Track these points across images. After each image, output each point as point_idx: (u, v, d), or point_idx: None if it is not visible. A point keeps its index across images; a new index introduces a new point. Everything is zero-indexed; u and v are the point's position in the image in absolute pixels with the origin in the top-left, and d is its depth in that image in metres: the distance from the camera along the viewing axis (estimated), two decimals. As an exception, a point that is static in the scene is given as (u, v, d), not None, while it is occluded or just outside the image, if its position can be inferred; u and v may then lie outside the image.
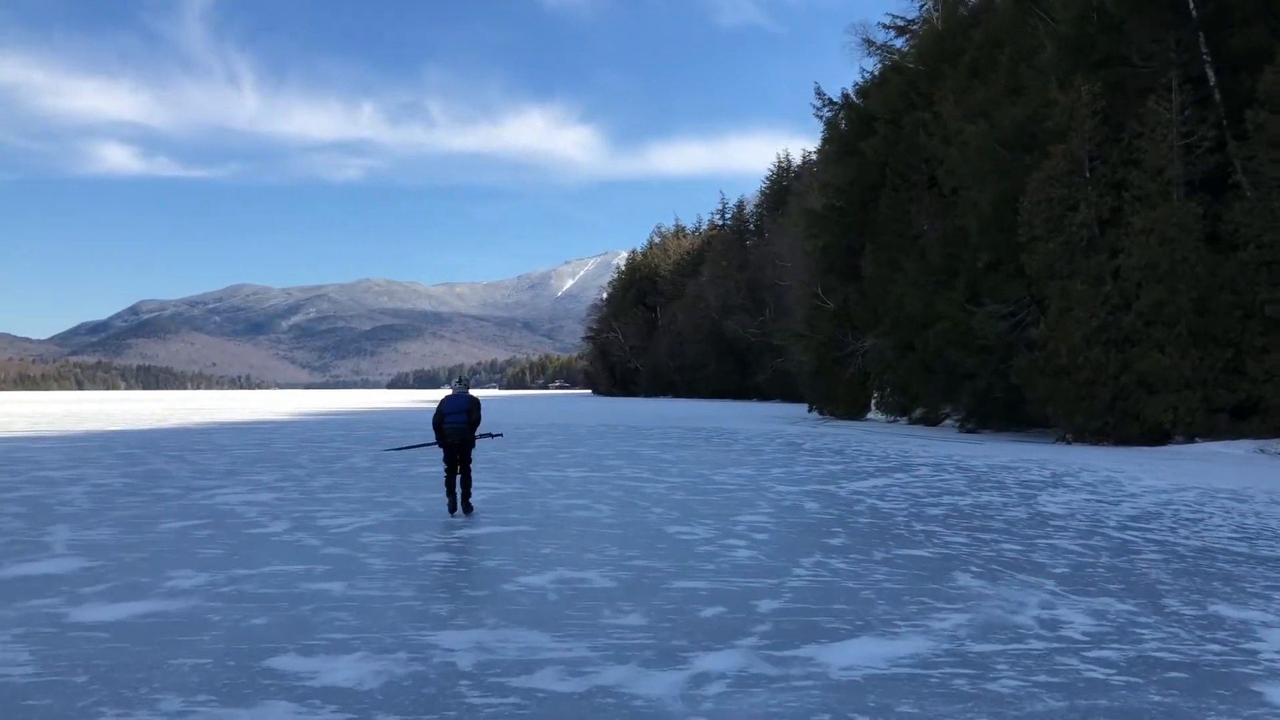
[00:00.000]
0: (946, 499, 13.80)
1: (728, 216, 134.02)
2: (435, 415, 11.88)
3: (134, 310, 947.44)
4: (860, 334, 40.02)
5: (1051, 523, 11.55)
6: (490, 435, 13.44)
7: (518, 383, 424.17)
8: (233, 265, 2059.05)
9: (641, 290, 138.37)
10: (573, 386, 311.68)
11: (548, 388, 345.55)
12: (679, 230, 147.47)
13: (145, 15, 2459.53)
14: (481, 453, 18.09)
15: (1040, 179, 24.84)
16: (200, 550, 9.44)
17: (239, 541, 10.07)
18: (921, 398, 35.15)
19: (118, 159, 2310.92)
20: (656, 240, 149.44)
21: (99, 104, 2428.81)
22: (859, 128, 40.04)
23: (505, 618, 6.57)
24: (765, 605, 6.97)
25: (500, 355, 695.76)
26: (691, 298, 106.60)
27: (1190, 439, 23.06)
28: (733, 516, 11.89)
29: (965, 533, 10.65)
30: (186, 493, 14.61)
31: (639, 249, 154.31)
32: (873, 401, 40.43)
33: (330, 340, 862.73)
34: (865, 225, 39.34)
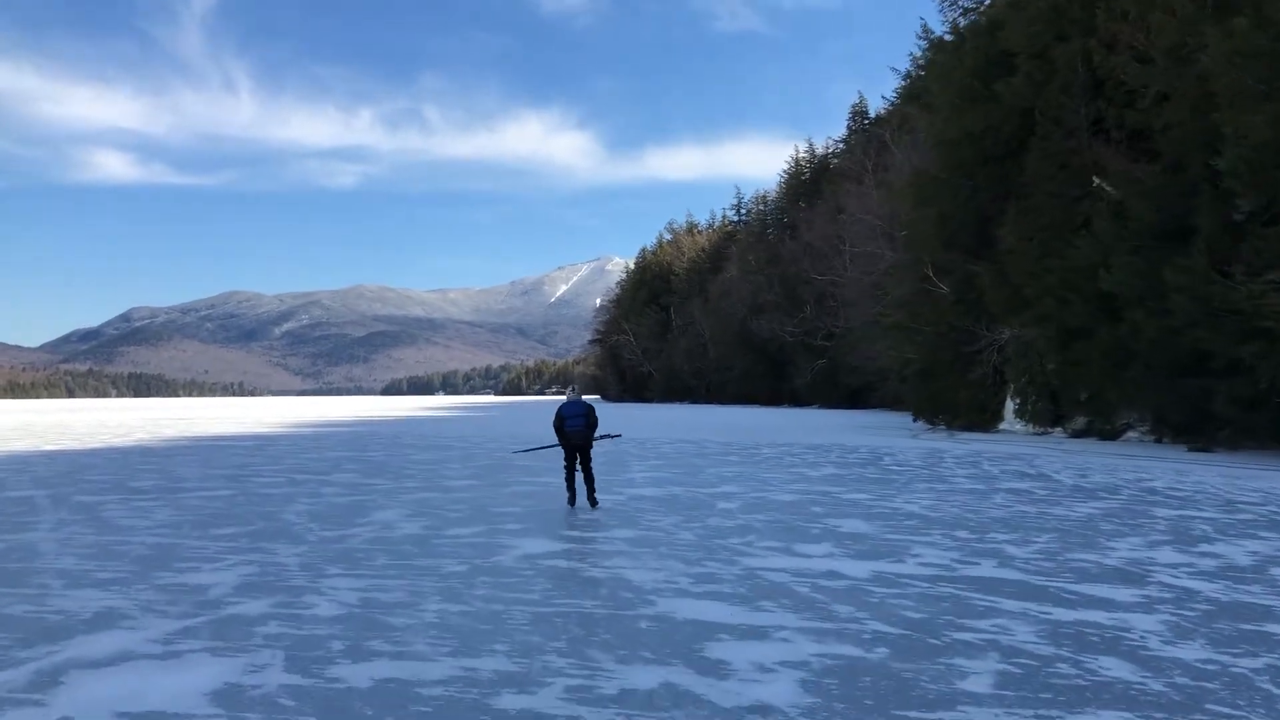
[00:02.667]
0: None
1: (744, 212, 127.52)
2: (556, 419, 12.57)
3: (126, 317, 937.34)
4: (994, 323, 33.12)
5: None
6: (609, 436, 14.49)
7: (513, 388, 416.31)
8: (226, 272, 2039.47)
9: (654, 290, 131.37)
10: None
11: (544, 393, 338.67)
12: (691, 227, 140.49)
13: (142, 21, 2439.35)
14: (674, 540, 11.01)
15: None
16: None
17: None
18: (1096, 403, 28.26)
19: (114, 166, 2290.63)
20: (668, 238, 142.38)
21: (95, 110, 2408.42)
22: (986, 69, 33.10)
23: None
24: None
25: (494, 361, 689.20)
26: (715, 296, 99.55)
27: None
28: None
29: None
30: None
31: (649, 247, 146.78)
32: (1010, 408, 33.47)
33: (323, 347, 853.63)
34: (1002, 186, 32.45)
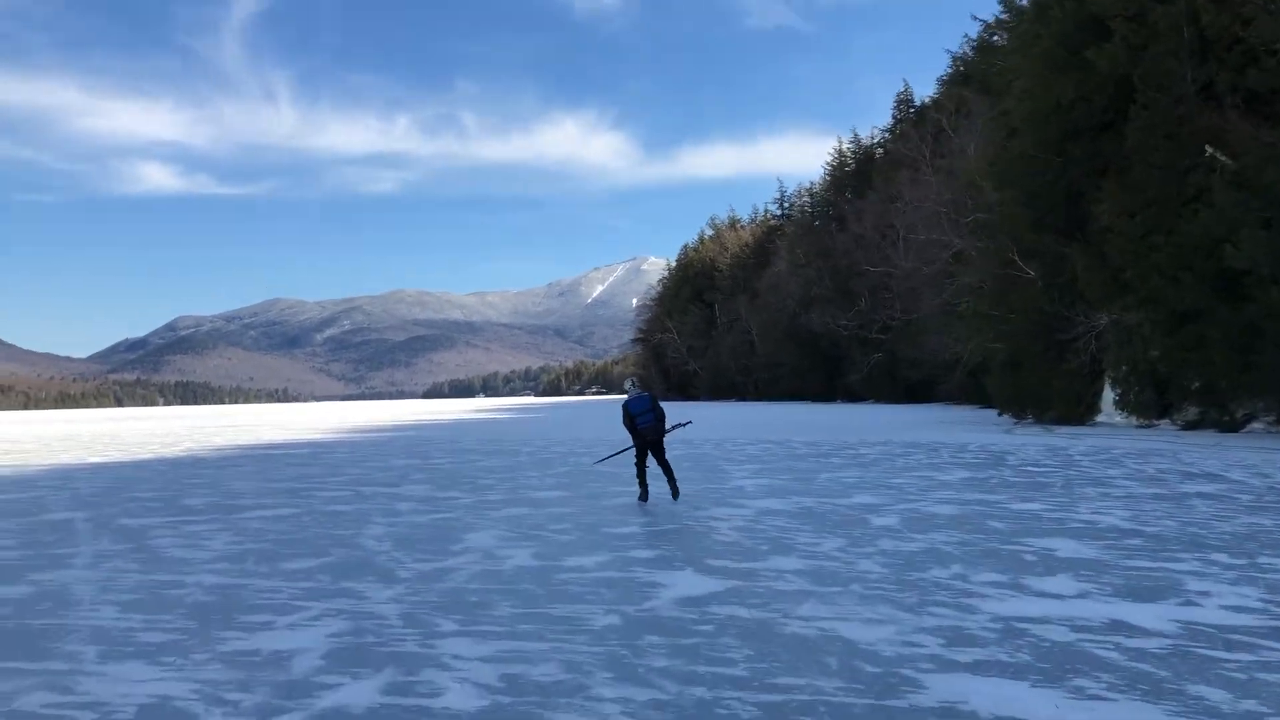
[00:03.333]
0: None
1: (786, 206, 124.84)
2: (625, 418, 12.32)
3: (171, 327, 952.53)
4: (1089, 308, 30.69)
5: None
6: (680, 425, 13.98)
7: (553, 389, 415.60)
8: (268, 280, 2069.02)
9: (697, 287, 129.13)
10: (609, 392, 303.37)
11: (584, 394, 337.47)
12: (734, 222, 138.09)
13: (183, 36, 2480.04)
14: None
15: None
16: None
17: None
18: (1210, 392, 25.81)
19: (157, 178, 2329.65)
20: (710, 234, 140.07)
21: (138, 124, 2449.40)
22: (1075, 35, 30.62)
23: None
24: None
25: (533, 363, 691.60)
26: (765, 290, 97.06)
27: None
28: None
29: None
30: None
31: (690, 244, 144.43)
32: (1108, 399, 31.00)
33: (365, 352, 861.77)
34: (1096, 160, 30.00)
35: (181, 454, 26.42)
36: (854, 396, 79.20)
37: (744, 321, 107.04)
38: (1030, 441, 24.40)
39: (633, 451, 12.70)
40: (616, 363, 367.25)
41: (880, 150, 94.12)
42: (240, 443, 32.50)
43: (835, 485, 14.36)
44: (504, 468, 19.04)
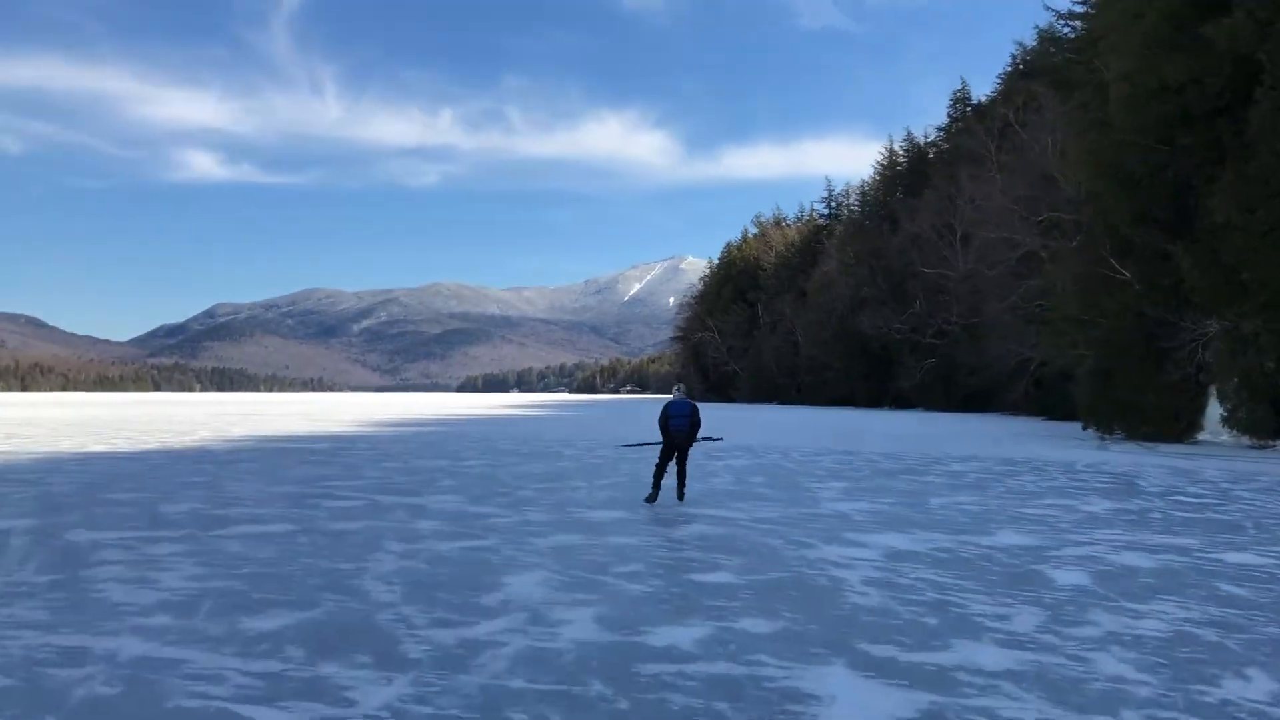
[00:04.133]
0: None
1: (834, 206, 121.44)
2: (661, 417, 12.43)
3: (210, 313, 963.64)
4: (1198, 314, 27.52)
5: None
6: (711, 439, 14.72)
7: (587, 387, 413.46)
8: (307, 269, 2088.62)
9: (740, 286, 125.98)
10: (645, 391, 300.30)
11: (618, 392, 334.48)
12: (779, 221, 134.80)
13: (234, 25, 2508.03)
14: None
15: None
16: None
17: None
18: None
19: (204, 166, 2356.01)
20: (754, 232, 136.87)
21: (187, 112, 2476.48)
22: (1187, 9, 27.51)
23: None
24: None
25: (568, 359, 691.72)
26: (813, 290, 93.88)
27: None
28: None
29: None
30: None
31: (734, 242, 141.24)
32: (1214, 415, 27.83)
33: (400, 344, 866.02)
34: (1211, 149, 26.85)
35: (190, 445, 24.15)
36: (904, 403, 75.92)
37: (788, 322, 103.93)
38: (1141, 461, 21.37)
39: (658, 449, 12.80)
40: (653, 361, 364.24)
41: (934, 150, 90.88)
42: (258, 434, 30.27)
43: (958, 515, 11.60)
44: (545, 474, 16.44)
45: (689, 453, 12.71)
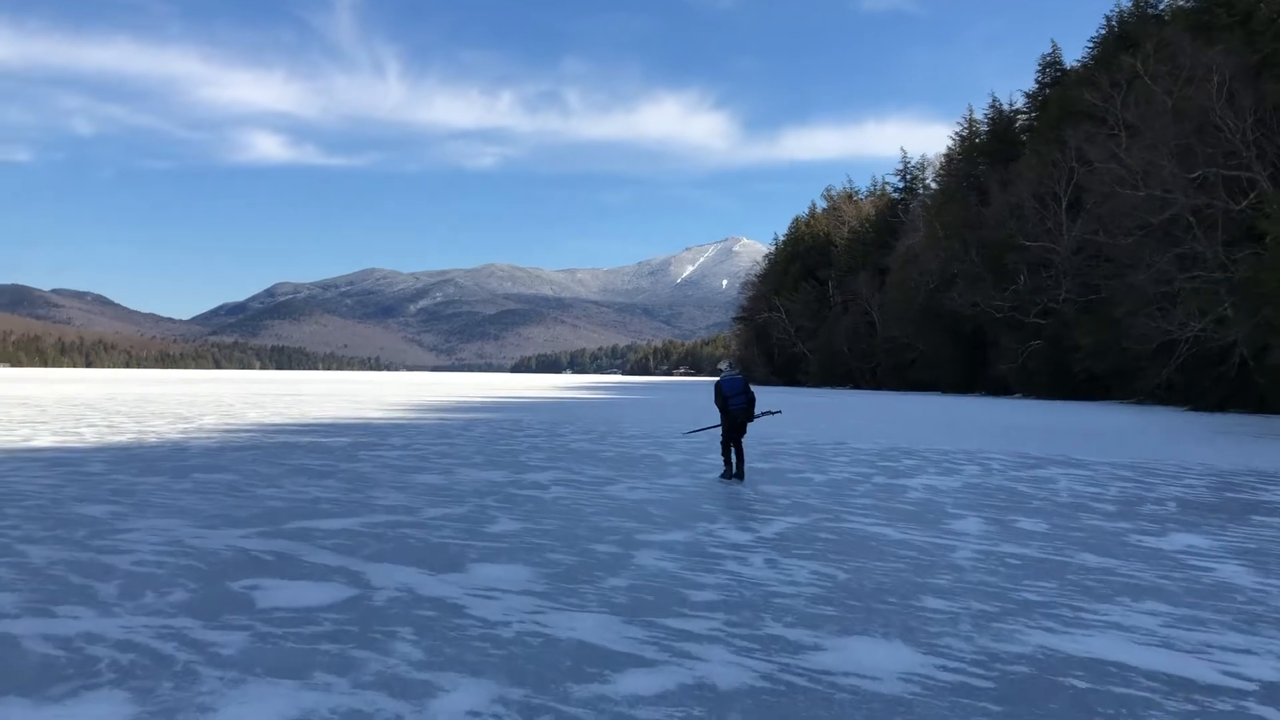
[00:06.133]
0: None
1: (908, 179, 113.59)
2: (717, 397, 12.48)
3: (270, 292, 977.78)
4: None
5: None
6: (769, 413, 14.11)
7: (640, 368, 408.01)
8: (365, 250, 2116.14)
9: (809, 263, 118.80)
10: (698, 373, 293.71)
11: (672, 374, 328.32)
12: (851, 194, 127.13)
13: (299, 8, 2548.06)
14: None
15: None
16: None
17: None
18: None
19: (267, 148, 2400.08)
20: (824, 206, 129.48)
21: (253, 94, 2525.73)
22: None
23: None
24: None
25: (620, 341, 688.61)
26: (896, 266, 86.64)
27: None
28: None
29: None
30: None
31: (802, 216, 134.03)
32: None
33: (456, 324, 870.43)
34: None
35: (187, 434, 18.72)
36: (1000, 389, 68.84)
37: (863, 301, 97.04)
38: None
39: (719, 430, 12.73)
40: (707, 343, 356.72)
41: (1022, 116, 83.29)
42: (279, 420, 24.93)
43: (1210, 582, 5.46)
44: (663, 501, 10.53)
45: (745, 429, 12.49)
